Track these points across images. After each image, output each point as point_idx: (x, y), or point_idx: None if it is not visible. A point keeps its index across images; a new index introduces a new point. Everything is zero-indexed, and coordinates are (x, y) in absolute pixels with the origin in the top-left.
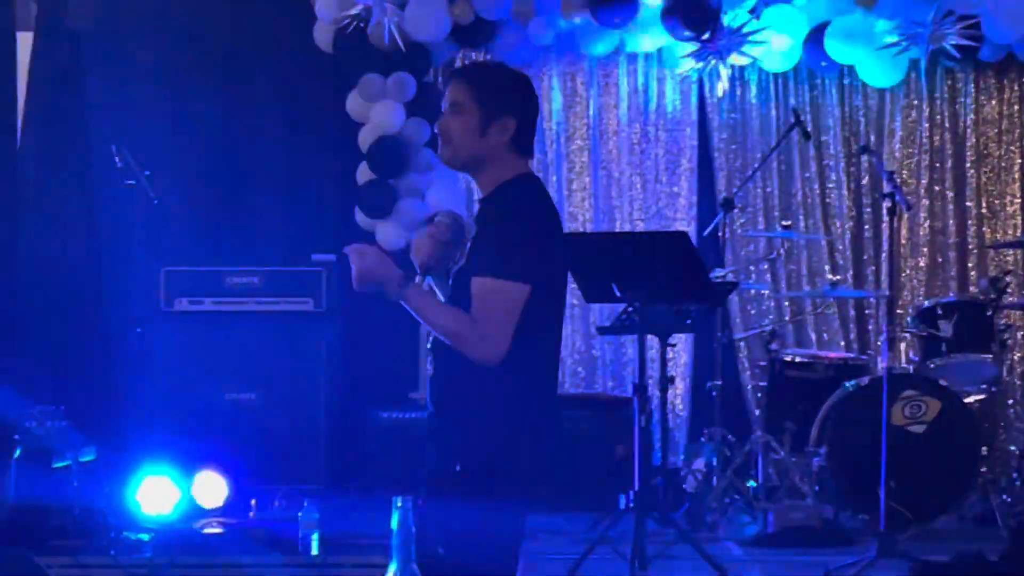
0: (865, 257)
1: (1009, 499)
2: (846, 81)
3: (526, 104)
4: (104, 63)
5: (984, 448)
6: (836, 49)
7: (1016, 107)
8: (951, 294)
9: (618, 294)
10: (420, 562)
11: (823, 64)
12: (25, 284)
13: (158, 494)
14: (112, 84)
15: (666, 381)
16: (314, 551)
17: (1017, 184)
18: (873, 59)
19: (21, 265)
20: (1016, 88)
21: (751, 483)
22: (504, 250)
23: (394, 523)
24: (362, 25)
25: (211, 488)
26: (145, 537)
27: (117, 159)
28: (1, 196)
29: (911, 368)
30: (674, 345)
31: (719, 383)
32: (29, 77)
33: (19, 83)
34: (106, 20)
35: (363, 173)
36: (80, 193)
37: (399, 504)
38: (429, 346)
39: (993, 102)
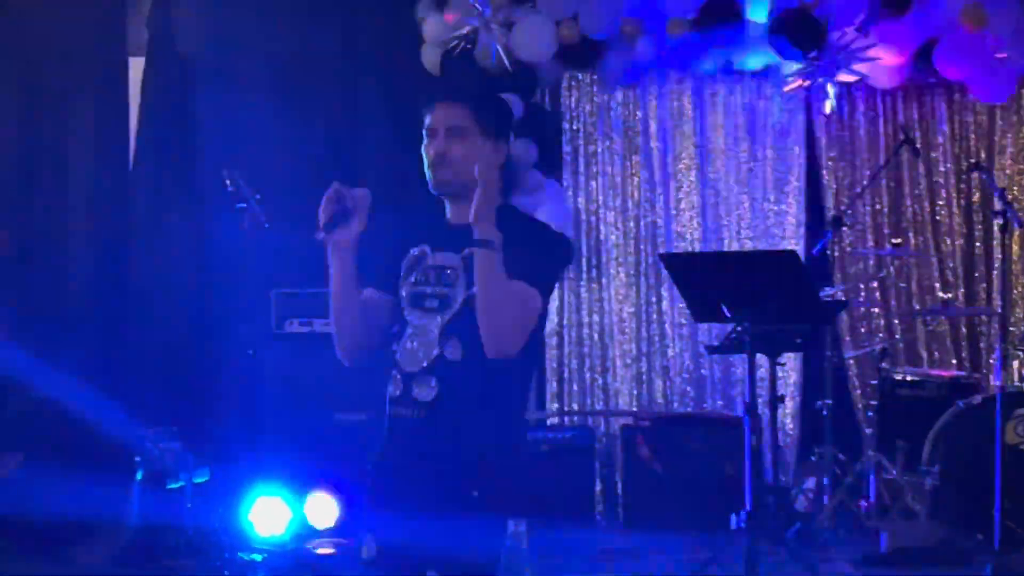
0: (976, 274)
1: None
2: (955, 97)
3: (511, 130)
4: (214, 87)
5: None
6: (946, 65)
7: None
8: None
9: (727, 314)
10: None
11: (932, 81)
12: (137, 307)
13: (271, 515)
14: (222, 107)
15: (776, 400)
16: None
17: None
18: (984, 75)
19: (133, 288)
20: None
21: (863, 502)
22: (535, 261)
23: (508, 544)
24: (469, 46)
25: (323, 508)
26: (258, 558)
27: (228, 183)
28: (113, 219)
29: None
30: (783, 364)
31: (829, 402)
32: (141, 102)
33: (131, 108)
34: (216, 44)
35: None
36: (191, 216)
37: (511, 528)
38: (424, 366)
39: None
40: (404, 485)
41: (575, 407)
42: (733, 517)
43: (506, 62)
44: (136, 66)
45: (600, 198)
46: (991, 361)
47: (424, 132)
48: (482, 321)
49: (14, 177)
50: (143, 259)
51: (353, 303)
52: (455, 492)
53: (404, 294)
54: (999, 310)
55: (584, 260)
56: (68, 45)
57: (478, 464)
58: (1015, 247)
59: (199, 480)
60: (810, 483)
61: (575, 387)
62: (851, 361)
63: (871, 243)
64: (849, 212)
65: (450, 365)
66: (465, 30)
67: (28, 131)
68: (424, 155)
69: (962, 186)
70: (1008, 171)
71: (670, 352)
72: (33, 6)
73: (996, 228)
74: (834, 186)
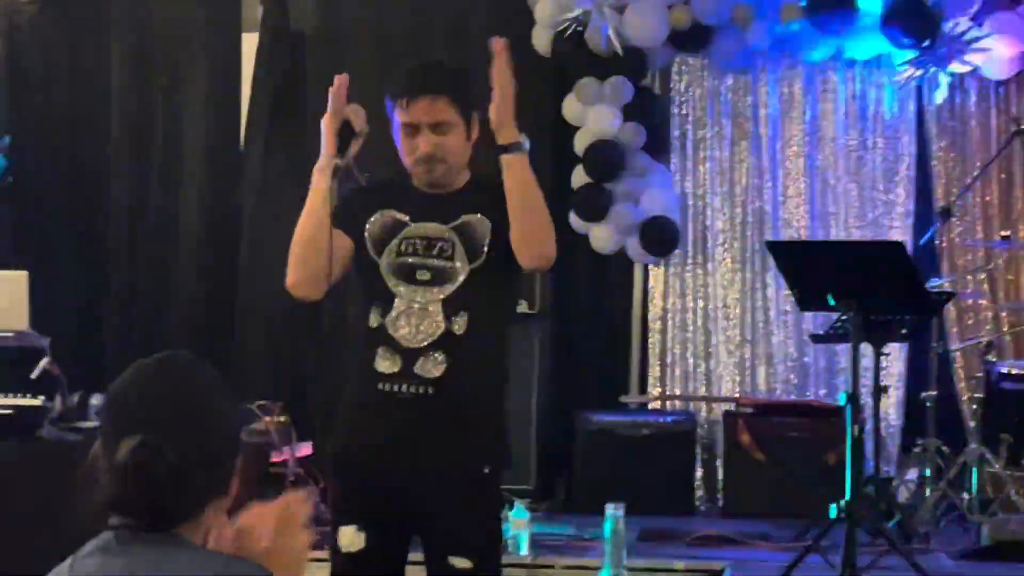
0: None
1: None
2: None
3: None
4: (326, 63)
5: None
6: None
7: None
8: None
9: (832, 303)
10: None
11: None
12: (246, 280)
13: None
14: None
15: (879, 390)
16: (523, 552)
17: None
18: None
19: (243, 262)
20: None
21: (964, 495)
22: None
23: (607, 529)
24: (580, 29)
25: None
26: None
27: (338, 160)
28: (225, 196)
29: None
30: (888, 354)
31: (934, 393)
32: (253, 78)
33: (243, 84)
34: (328, 21)
35: (578, 176)
36: (302, 194)
37: (611, 510)
38: (427, 342)
39: None
40: (407, 464)
41: (677, 392)
42: (833, 507)
43: (617, 46)
44: (249, 42)
45: (707, 183)
46: None
47: (401, 127)
48: (523, 227)
49: (129, 154)
50: (252, 234)
51: (326, 231)
52: (467, 469)
53: (384, 263)
54: None
55: (690, 245)
56: (182, 21)
57: (490, 439)
58: None
59: (303, 455)
60: (912, 474)
61: (677, 372)
62: (956, 353)
63: (980, 235)
64: (958, 203)
65: (457, 340)
66: (577, 13)
67: (143, 108)
68: (402, 146)
69: None
70: None
71: (774, 339)
72: None
73: None
74: (943, 176)
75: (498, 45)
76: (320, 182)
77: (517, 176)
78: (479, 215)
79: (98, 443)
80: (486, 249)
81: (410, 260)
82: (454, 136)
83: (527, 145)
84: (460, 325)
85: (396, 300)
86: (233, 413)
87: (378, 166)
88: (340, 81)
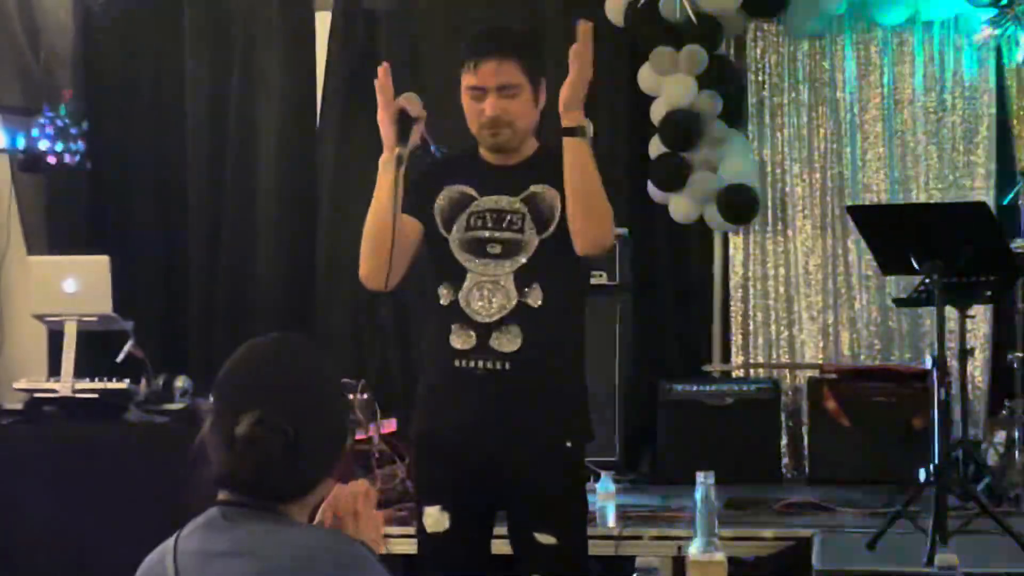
0: None
1: None
2: None
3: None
4: (399, 42)
5: None
6: None
7: None
8: None
9: (916, 266)
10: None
11: None
12: (326, 260)
13: None
14: (406, 63)
15: (965, 353)
16: (610, 523)
17: None
18: None
19: (322, 242)
20: None
21: None
22: None
23: (697, 497)
24: None
25: None
26: None
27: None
28: (301, 176)
29: None
30: (973, 316)
31: (1020, 355)
32: (327, 58)
33: (318, 63)
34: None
35: (655, 146)
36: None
37: (701, 478)
38: (501, 316)
39: None
40: (487, 442)
41: (760, 360)
42: (921, 471)
43: (691, 14)
44: (322, 21)
45: (785, 150)
46: None
47: (466, 91)
48: (581, 212)
49: (206, 137)
50: (329, 214)
51: (396, 220)
52: (548, 444)
53: (454, 238)
54: None
55: (769, 212)
56: (255, 1)
57: (569, 413)
58: None
59: (386, 432)
60: (1000, 437)
61: (760, 340)
62: None
63: None
64: None
65: (532, 312)
66: None
67: (217, 90)
68: (468, 111)
69: None
70: None
71: (856, 304)
72: None
73: None
74: None
75: (584, 27)
76: (384, 176)
77: (578, 160)
78: (546, 185)
79: (208, 420)
80: (556, 219)
81: (480, 234)
82: (521, 100)
83: (591, 131)
84: (534, 297)
85: (467, 275)
86: (343, 393)
87: (453, 140)
88: (383, 72)
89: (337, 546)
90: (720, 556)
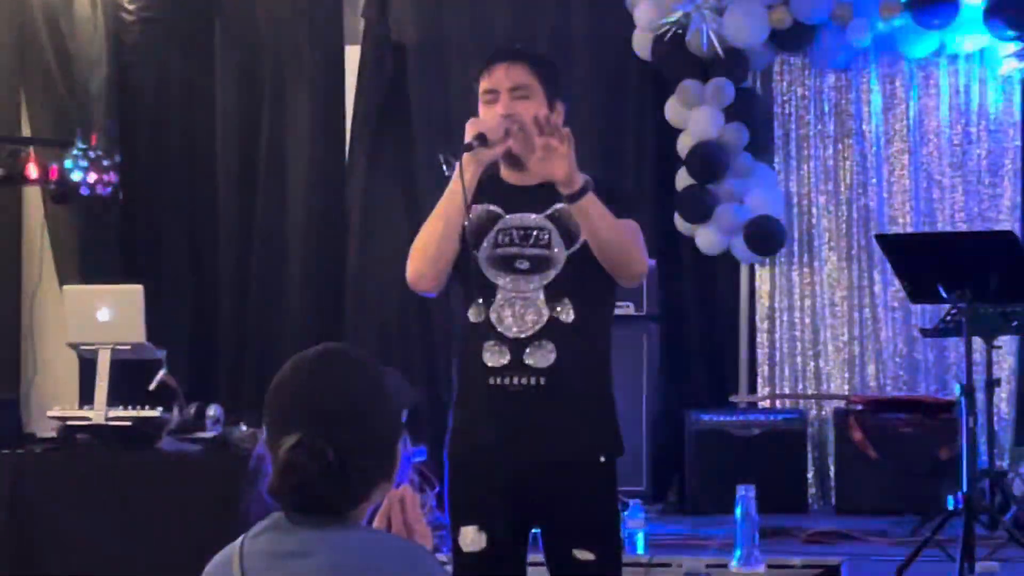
0: None
1: None
2: None
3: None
4: (428, 75)
5: None
6: None
7: None
8: None
9: (944, 295)
10: None
11: None
12: (355, 290)
13: None
14: (435, 95)
15: (992, 383)
16: (640, 551)
17: None
18: None
19: (351, 272)
20: None
21: None
22: (620, 199)
23: (738, 511)
24: (680, 32)
25: None
26: None
27: (444, 167)
28: (331, 207)
29: None
30: (999, 347)
31: None
32: (357, 90)
33: (347, 96)
34: (429, 32)
35: (682, 179)
36: (407, 203)
37: (743, 492)
38: (533, 332)
39: None
40: (522, 458)
41: (786, 391)
42: (950, 499)
43: (718, 48)
44: (351, 55)
45: (811, 182)
46: None
47: (481, 96)
48: (609, 256)
49: (237, 169)
50: (359, 243)
51: (459, 226)
52: (583, 459)
53: (483, 256)
54: None
55: (796, 244)
56: (286, 36)
57: (602, 427)
58: None
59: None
60: None
61: (787, 371)
62: None
63: None
64: None
65: (564, 327)
66: (677, 16)
67: (247, 123)
68: (484, 117)
69: None
70: None
71: (883, 335)
72: None
73: None
74: None
75: (542, 113)
76: (462, 176)
77: (596, 214)
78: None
79: (264, 436)
80: (582, 234)
81: (508, 250)
82: (533, 102)
83: (590, 182)
84: (566, 312)
85: (498, 292)
86: (395, 395)
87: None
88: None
89: (401, 547)
90: (762, 569)
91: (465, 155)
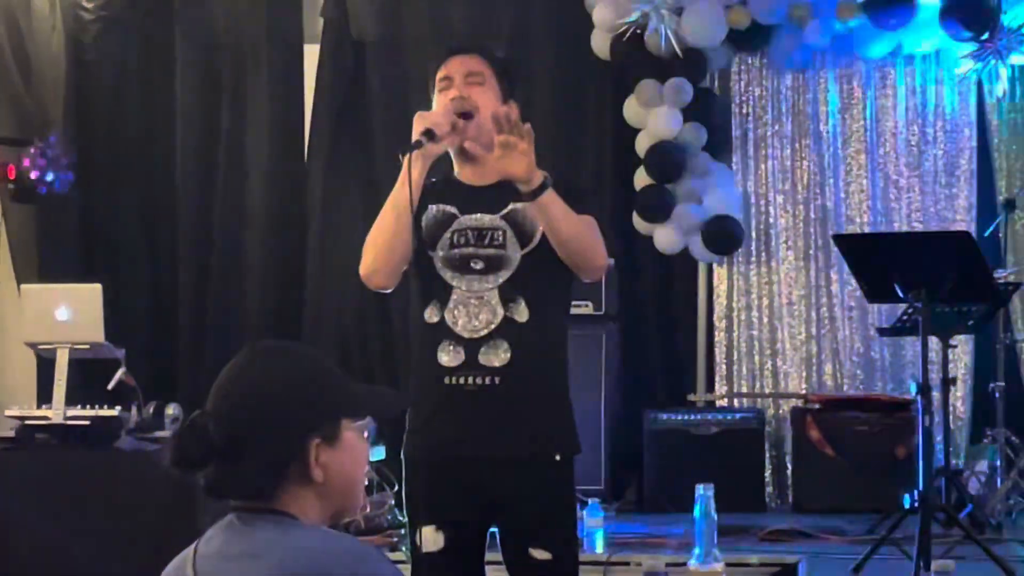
0: None
1: None
2: None
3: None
4: (388, 73)
5: None
6: None
7: None
8: None
9: (901, 294)
10: None
11: None
12: (314, 289)
13: None
14: (396, 93)
15: (948, 382)
16: (599, 550)
17: None
18: None
19: (310, 271)
20: None
21: None
22: (575, 197)
23: (697, 510)
24: (639, 32)
25: None
26: None
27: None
28: (290, 205)
29: None
30: (955, 346)
31: (1001, 384)
32: (316, 89)
33: (306, 95)
34: (389, 31)
35: (640, 178)
36: (366, 202)
37: (702, 491)
38: (487, 331)
39: None
40: (479, 457)
41: (744, 390)
42: (906, 498)
43: (676, 47)
44: (311, 54)
45: (769, 181)
46: None
47: (436, 85)
48: (571, 251)
49: (195, 167)
50: (318, 243)
51: (410, 222)
52: (539, 457)
53: (439, 256)
54: None
55: (753, 244)
56: (245, 35)
57: (558, 426)
58: None
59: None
60: (982, 466)
61: (744, 369)
62: (1022, 344)
63: None
64: (1021, 195)
65: (519, 327)
66: (635, 15)
67: (206, 122)
68: (439, 105)
69: None
70: None
71: (840, 335)
72: None
73: None
74: (1005, 168)
75: (501, 110)
76: (411, 171)
77: (556, 211)
78: (525, 203)
79: None
80: (537, 234)
81: (464, 251)
82: (487, 90)
83: (549, 178)
84: (520, 312)
85: (453, 292)
86: (322, 393)
87: (439, 163)
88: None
89: (352, 549)
90: (720, 567)
91: (413, 152)
